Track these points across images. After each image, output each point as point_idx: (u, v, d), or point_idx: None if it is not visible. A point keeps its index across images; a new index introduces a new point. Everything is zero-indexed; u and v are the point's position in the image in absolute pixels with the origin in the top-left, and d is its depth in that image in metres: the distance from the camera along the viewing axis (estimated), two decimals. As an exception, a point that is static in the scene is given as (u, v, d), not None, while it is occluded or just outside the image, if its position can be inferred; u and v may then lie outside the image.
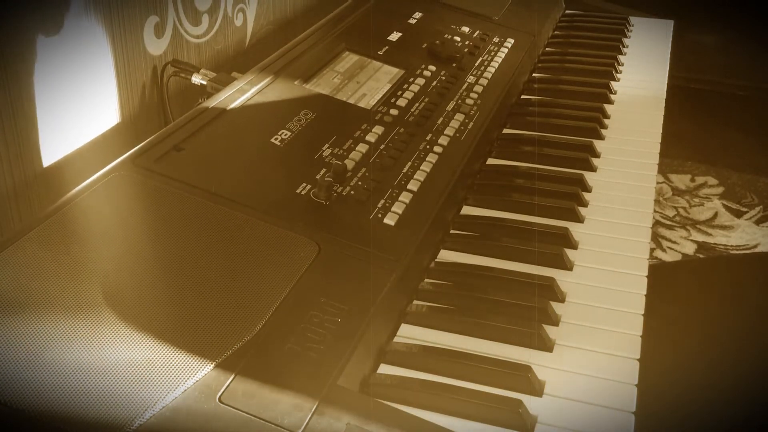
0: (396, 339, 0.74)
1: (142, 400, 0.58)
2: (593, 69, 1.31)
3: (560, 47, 1.41)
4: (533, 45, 1.33)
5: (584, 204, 0.97)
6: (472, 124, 1.03)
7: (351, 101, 1.01)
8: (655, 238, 1.95)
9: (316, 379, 0.62)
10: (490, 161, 1.05)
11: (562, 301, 0.80)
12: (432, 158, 0.94)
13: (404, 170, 0.90)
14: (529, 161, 1.05)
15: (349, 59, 1.10)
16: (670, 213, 2.05)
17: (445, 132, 0.99)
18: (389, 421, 0.61)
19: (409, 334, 0.75)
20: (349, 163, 0.88)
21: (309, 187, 0.83)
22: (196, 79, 1.06)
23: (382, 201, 0.84)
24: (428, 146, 0.96)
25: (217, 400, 0.59)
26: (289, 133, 0.90)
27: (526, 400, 0.66)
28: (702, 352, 1.07)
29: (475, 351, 0.73)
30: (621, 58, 1.38)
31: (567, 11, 1.57)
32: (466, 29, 1.27)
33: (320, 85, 1.02)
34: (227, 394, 0.60)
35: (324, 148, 0.89)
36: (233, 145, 0.87)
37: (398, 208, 0.84)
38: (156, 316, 0.65)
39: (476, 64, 1.19)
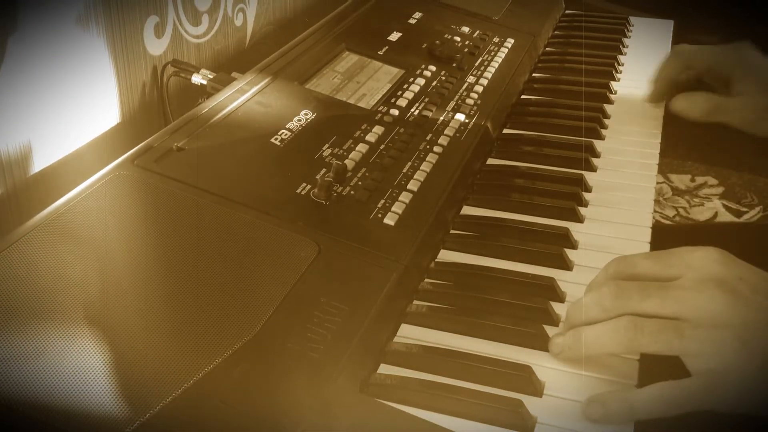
0: (396, 339, 0.74)
1: (142, 400, 0.58)
2: (593, 69, 1.31)
3: (560, 47, 1.41)
4: (533, 45, 1.33)
5: (584, 204, 0.97)
6: (472, 124, 1.03)
7: (351, 101, 1.01)
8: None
9: (316, 379, 0.62)
10: (490, 161, 1.05)
11: (562, 301, 0.80)
12: (432, 158, 0.94)
13: (404, 170, 0.90)
14: (529, 161, 1.05)
15: (349, 59, 1.10)
16: (670, 213, 2.05)
17: (445, 132, 0.99)
18: (389, 421, 0.61)
19: (409, 334, 0.75)
20: (349, 163, 0.88)
21: (309, 187, 0.83)
22: (196, 79, 1.05)
23: (382, 201, 0.84)
24: (428, 146, 0.96)
25: (217, 400, 0.59)
26: (289, 133, 0.90)
27: (526, 400, 0.66)
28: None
29: (475, 351, 0.73)
30: (621, 58, 1.38)
31: (567, 11, 1.56)
32: (466, 29, 1.27)
33: (320, 85, 1.02)
34: (227, 394, 0.60)
35: (324, 148, 0.89)
36: (233, 145, 0.87)
37: (398, 208, 0.84)
38: (156, 316, 0.65)
39: (476, 64, 1.19)
